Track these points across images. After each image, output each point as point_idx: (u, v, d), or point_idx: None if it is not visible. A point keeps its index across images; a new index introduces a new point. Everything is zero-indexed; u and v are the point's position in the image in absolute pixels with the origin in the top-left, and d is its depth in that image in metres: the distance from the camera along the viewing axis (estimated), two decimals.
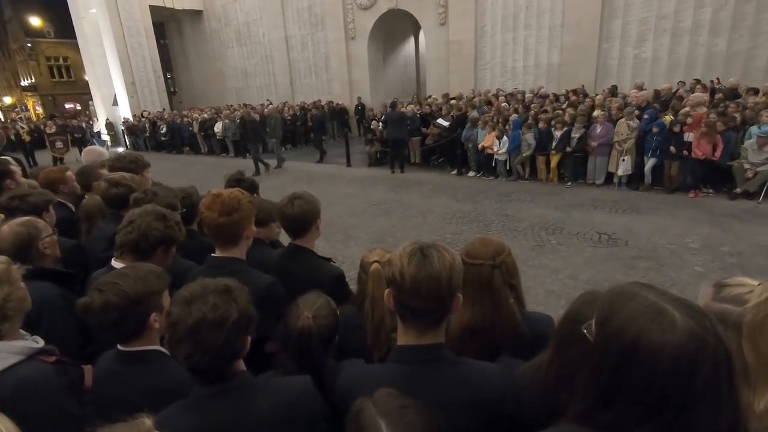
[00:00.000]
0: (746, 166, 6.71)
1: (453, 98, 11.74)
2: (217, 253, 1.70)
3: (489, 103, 10.95)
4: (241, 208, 1.61)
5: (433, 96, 13.17)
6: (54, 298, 1.71)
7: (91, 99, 21.89)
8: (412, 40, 17.70)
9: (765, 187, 6.67)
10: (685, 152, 7.11)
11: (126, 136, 18.48)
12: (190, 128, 16.03)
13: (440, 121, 10.22)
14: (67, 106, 31.18)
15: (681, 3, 10.16)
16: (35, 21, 30.55)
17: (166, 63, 22.85)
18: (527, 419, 1.12)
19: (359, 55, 16.12)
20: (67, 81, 32.38)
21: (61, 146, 15.27)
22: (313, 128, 13.92)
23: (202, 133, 15.50)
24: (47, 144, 15.10)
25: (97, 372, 1.33)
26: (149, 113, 18.47)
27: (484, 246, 1.53)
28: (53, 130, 15.44)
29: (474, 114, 9.78)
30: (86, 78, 22.46)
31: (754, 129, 6.81)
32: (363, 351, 1.66)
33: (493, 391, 1.13)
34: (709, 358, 0.69)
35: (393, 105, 11.30)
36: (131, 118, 18.65)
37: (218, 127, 14.73)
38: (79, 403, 1.36)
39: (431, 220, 6.83)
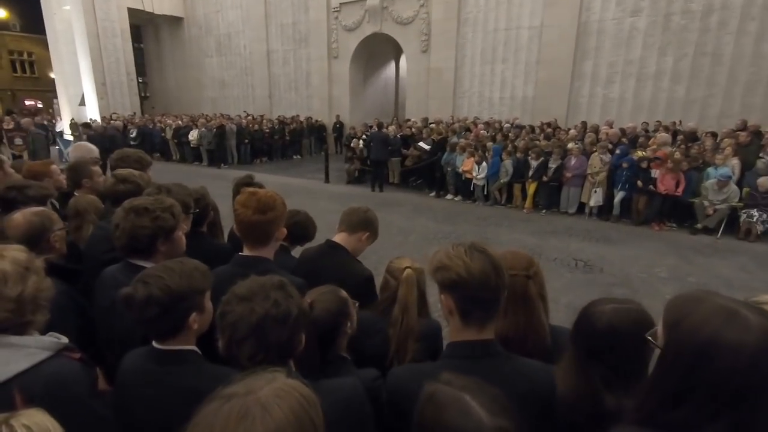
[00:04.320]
0: (706, 203, 7.21)
1: (432, 123, 12.04)
2: (246, 252, 1.66)
3: (468, 129, 11.30)
4: (275, 207, 1.59)
5: (413, 119, 13.48)
6: (61, 295, 1.60)
7: (56, 97, 20.93)
8: (393, 63, 18.14)
9: (722, 225, 7.18)
10: (651, 187, 7.57)
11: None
12: (163, 134, 15.58)
13: (422, 144, 10.44)
14: (27, 102, 29.61)
15: (646, 50, 10.98)
16: (0, 13, 29.17)
17: (140, 67, 22.26)
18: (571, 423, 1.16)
19: (341, 74, 16.33)
20: (30, 77, 30.84)
21: (20, 143, 14.42)
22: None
23: (176, 140, 15.09)
24: (5, 140, 14.22)
25: (125, 370, 1.25)
26: (119, 116, 17.84)
27: (516, 258, 1.58)
28: (11, 126, 14.58)
29: (454, 139, 10.06)
30: (52, 75, 21.53)
31: (711, 170, 7.36)
32: (378, 357, 1.65)
33: (545, 385, 1.18)
34: None
35: (379, 126, 11.46)
36: (99, 120, 17.92)
37: (193, 135, 14.40)
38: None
39: (413, 239, 6.89)
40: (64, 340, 1.25)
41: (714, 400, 0.75)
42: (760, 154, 7.38)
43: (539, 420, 1.14)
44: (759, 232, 6.89)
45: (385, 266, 1.80)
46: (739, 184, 7.26)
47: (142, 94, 23.06)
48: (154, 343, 1.23)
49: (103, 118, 18.03)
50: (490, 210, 8.92)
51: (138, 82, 21.11)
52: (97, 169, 3.04)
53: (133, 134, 16.08)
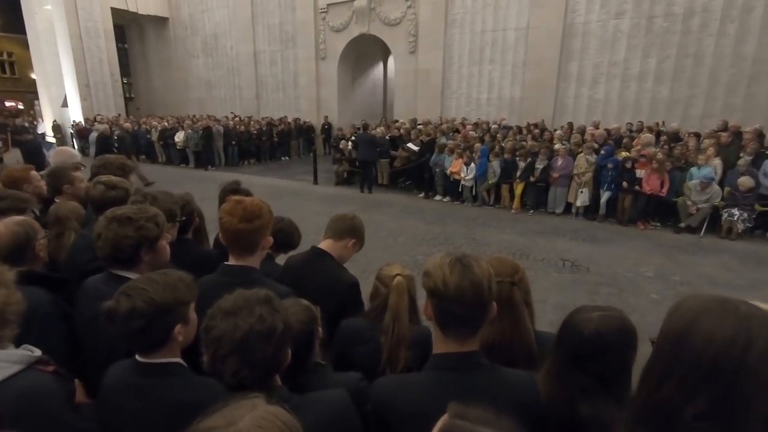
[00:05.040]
0: (689, 203, 7.35)
1: (420, 124, 12.07)
2: (232, 261, 1.64)
3: (457, 131, 11.35)
4: (262, 216, 1.57)
5: (401, 120, 13.49)
6: (47, 305, 1.57)
7: (37, 98, 20.51)
8: (381, 64, 18.14)
9: (705, 224, 7.32)
10: (637, 187, 7.69)
11: (75, 140, 17.39)
12: (148, 136, 15.37)
13: (410, 145, 10.46)
14: (7, 104, 28.95)
15: (630, 52, 11.15)
16: None
17: (125, 68, 21.94)
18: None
19: (329, 75, 16.28)
20: (9, 78, 30.11)
21: (0, 145, 14.15)
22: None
23: (161, 142, 14.89)
24: None
25: (109, 384, 1.23)
26: (103, 117, 17.55)
27: (501, 264, 1.58)
28: None
29: (443, 140, 10.10)
30: (33, 76, 21.09)
31: (694, 170, 7.50)
32: (370, 365, 1.65)
33: (528, 395, 1.18)
34: (763, 344, 0.73)
35: (365, 127, 11.46)
36: (83, 122, 17.62)
37: (179, 137, 14.22)
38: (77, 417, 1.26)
39: (402, 241, 6.90)
40: (37, 352, 1.22)
41: (688, 377, 0.77)
42: (741, 154, 7.54)
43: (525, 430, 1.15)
44: (740, 231, 7.04)
45: (375, 269, 1.80)
46: (721, 183, 7.41)
47: (127, 96, 22.73)
48: (137, 357, 1.21)
49: (86, 120, 17.74)
50: (479, 211, 8.97)
51: (122, 83, 20.83)
52: (78, 174, 2.98)
53: (90, 138, 15.83)
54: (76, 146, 17.33)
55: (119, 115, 18.67)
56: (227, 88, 19.70)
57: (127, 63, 22.81)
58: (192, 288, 1.26)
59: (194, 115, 17.29)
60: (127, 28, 22.06)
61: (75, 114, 18.35)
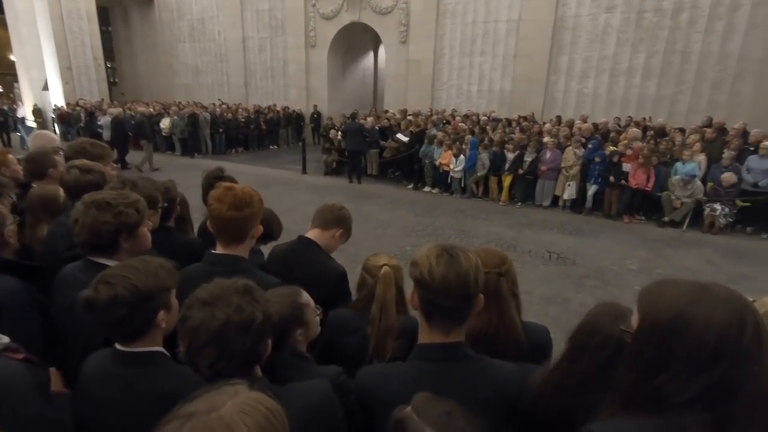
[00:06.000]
0: (673, 197, 7.46)
1: (411, 114, 12.01)
2: (219, 250, 1.60)
3: (447, 122, 11.33)
4: (252, 204, 1.54)
5: (391, 111, 13.41)
6: (18, 293, 1.52)
7: (16, 81, 19.88)
8: (371, 54, 17.96)
9: (688, 218, 7.45)
10: (623, 181, 7.78)
11: (57, 125, 16.92)
12: (132, 122, 15.00)
13: (400, 136, 10.41)
14: None
15: (619, 46, 11.21)
16: None
17: (108, 51, 21.32)
18: (542, 419, 1.17)
19: (319, 63, 16.07)
20: None
21: None
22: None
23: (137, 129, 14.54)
24: None
25: (88, 374, 1.20)
26: (86, 102, 17.10)
27: (489, 255, 1.58)
28: None
29: (433, 132, 10.07)
30: (12, 58, 20.41)
31: (679, 165, 7.61)
32: (358, 355, 1.64)
33: (512, 387, 1.18)
34: (754, 320, 0.77)
35: (353, 116, 11.36)
36: (64, 106, 17.14)
37: (165, 124, 13.95)
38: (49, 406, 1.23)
39: (391, 231, 6.89)
40: (5, 339, 1.18)
41: (689, 366, 0.78)
42: (724, 150, 7.66)
43: (506, 423, 1.15)
44: (721, 225, 7.19)
45: (363, 259, 1.78)
46: (705, 178, 7.54)
47: (111, 80, 22.15)
48: (117, 346, 1.17)
49: (68, 105, 17.28)
50: (467, 202, 9.00)
51: (106, 67, 20.26)
52: (59, 158, 2.89)
53: (102, 122, 15.48)
54: (57, 131, 16.89)
55: (102, 100, 18.18)
56: (215, 75, 19.32)
57: (111, 47, 22.19)
58: (173, 274, 1.23)
59: (180, 102, 16.94)
60: (111, 11, 21.43)
61: (56, 98, 17.83)
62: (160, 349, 1.21)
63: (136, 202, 1.54)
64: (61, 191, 2.45)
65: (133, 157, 11.93)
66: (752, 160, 7.29)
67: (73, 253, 1.70)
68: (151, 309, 1.15)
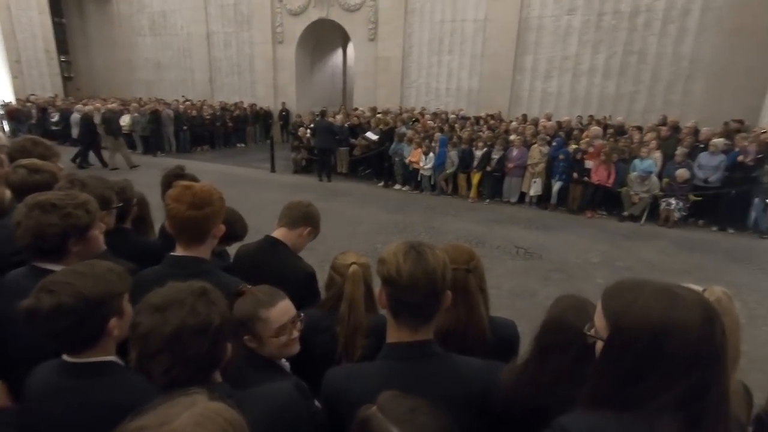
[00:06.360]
0: (632, 193, 7.79)
1: (380, 112, 12.00)
2: (179, 252, 1.53)
3: (416, 120, 11.38)
4: (212, 202, 1.47)
5: (361, 108, 13.36)
6: None
7: None
8: (340, 51, 17.81)
9: (645, 212, 7.80)
10: (586, 178, 8.05)
11: (5, 122, 15.92)
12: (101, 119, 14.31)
13: (369, 134, 10.38)
14: None
15: (581, 47, 11.57)
16: None
17: (62, 44, 20.26)
18: (518, 417, 1.17)
19: (286, 59, 15.80)
20: None
21: None
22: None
23: (105, 126, 13.90)
24: None
25: (34, 387, 1.12)
26: (37, 97, 16.17)
27: (457, 251, 1.59)
28: None
29: (402, 129, 10.10)
30: None
31: (637, 162, 7.94)
32: (329, 355, 1.62)
33: (480, 384, 1.18)
34: (719, 320, 0.80)
35: (322, 114, 11.25)
36: (14, 102, 16.15)
37: (125, 121, 13.35)
38: None
39: (363, 229, 6.87)
40: None
41: (670, 373, 0.80)
42: (678, 147, 8.05)
43: (474, 420, 1.15)
44: (676, 219, 7.56)
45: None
46: (661, 174, 7.90)
47: (65, 74, 21.05)
48: (65, 357, 1.10)
49: (18, 100, 16.30)
50: (437, 199, 9.08)
51: (60, 61, 19.25)
52: (3, 157, 2.71)
53: (55, 118, 14.71)
54: (6, 128, 15.90)
55: (56, 95, 17.27)
56: (178, 71, 18.68)
57: (65, 39, 21.07)
58: (124, 278, 1.16)
59: (141, 98, 16.28)
60: (64, 2, 20.34)
61: (5, 93, 16.77)
62: (113, 358, 1.15)
63: (85, 203, 1.45)
64: (8, 192, 2.30)
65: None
66: (703, 157, 7.69)
67: (20, 258, 1.59)
68: (101, 316, 1.09)
